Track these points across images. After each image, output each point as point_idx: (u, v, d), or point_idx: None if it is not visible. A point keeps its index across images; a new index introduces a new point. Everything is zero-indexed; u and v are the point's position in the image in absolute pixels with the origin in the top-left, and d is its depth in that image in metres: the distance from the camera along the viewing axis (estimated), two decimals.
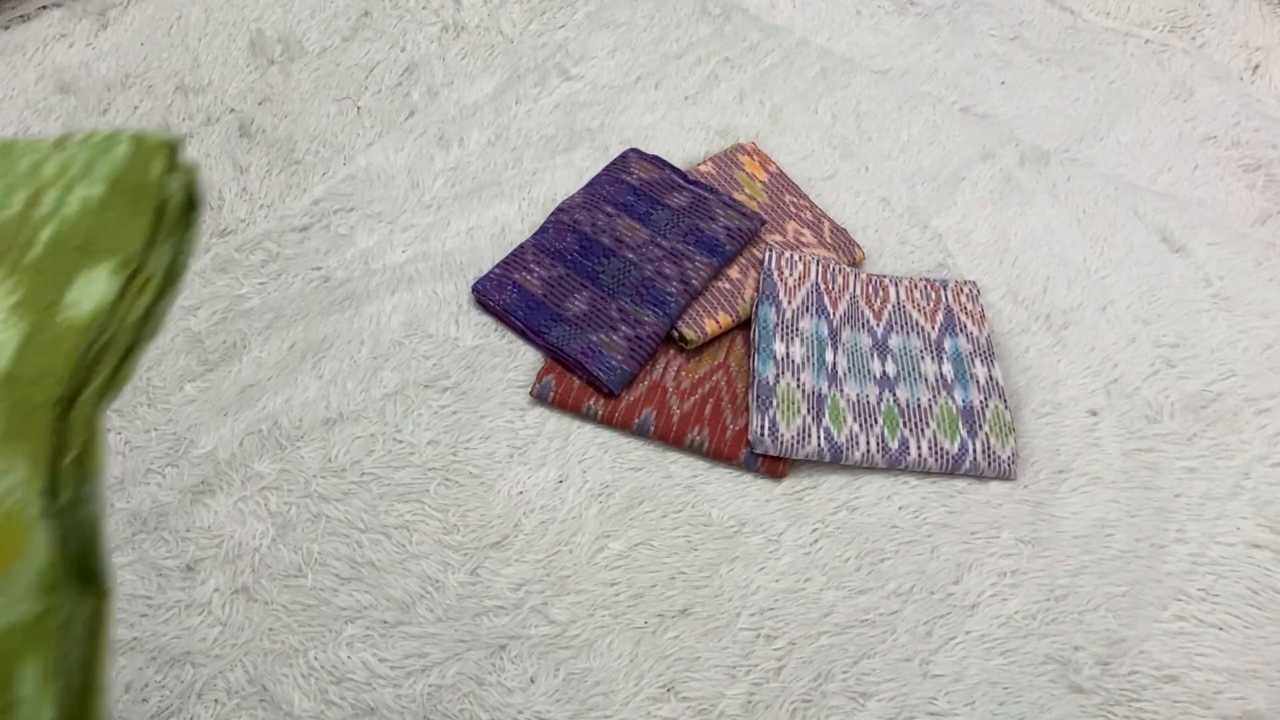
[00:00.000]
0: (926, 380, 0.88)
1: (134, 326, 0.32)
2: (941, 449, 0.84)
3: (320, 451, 0.82)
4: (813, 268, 0.93)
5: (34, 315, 0.29)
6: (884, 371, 0.89)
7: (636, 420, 0.84)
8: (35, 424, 0.26)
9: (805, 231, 0.99)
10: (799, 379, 0.86)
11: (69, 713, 0.23)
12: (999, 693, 0.74)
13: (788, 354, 0.87)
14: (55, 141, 0.34)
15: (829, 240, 0.98)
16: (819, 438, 0.83)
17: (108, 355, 0.30)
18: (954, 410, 0.86)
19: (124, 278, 0.31)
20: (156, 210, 0.33)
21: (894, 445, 0.84)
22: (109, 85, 1.07)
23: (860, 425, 0.84)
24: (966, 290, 0.95)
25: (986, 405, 0.86)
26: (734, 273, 0.94)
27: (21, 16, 1.11)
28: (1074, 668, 0.75)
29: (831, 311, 0.91)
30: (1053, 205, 1.05)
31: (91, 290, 0.30)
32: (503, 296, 0.91)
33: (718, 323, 0.90)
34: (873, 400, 0.86)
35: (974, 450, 0.84)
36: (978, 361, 0.90)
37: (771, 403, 0.84)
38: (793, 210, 1.00)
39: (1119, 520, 0.82)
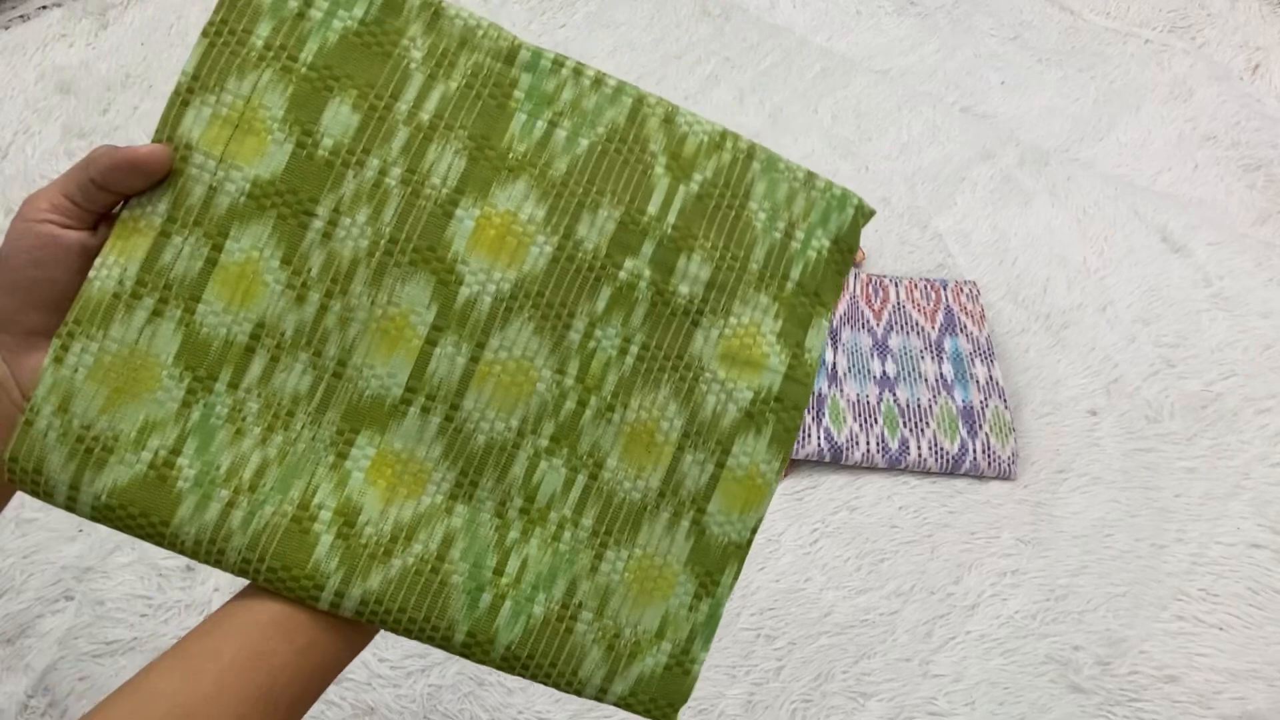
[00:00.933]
0: (926, 380, 0.88)
1: None
2: (941, 449, 0.84)
3: None
4: None
5: (791, 349, 0.36)
6: (884, 371, 0.89)
7: None
8: (789, 439, 0.37)
9: None
10: None
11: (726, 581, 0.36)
12: (999, 693, 0.74)
13: None
14: (805, 178, 0.38)
15: None
16: (819, 438, 0.83)
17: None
18: (954, 410, 0.86)
19: (828, 336, 0.38)
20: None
21: (894, 445, 0.84)
22: (109, 85, 1.07)
23: (860, 425, 0.84)
24: (966, 290, 0.95)
25: (986, 405, 0.86)
26: None
27: (21, 16, 1.11)
28: (1074, 668, 0.75)
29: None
30: (1053, 205, 1.05)
31: (817, 340, 0.37)
32: None
33: None
34: (873, 400, 0.86)
35: (974, 450, 0.84)
36: (978, 361, 0.90)
37: None
38: None
39: (1119, 520, 0.82)
